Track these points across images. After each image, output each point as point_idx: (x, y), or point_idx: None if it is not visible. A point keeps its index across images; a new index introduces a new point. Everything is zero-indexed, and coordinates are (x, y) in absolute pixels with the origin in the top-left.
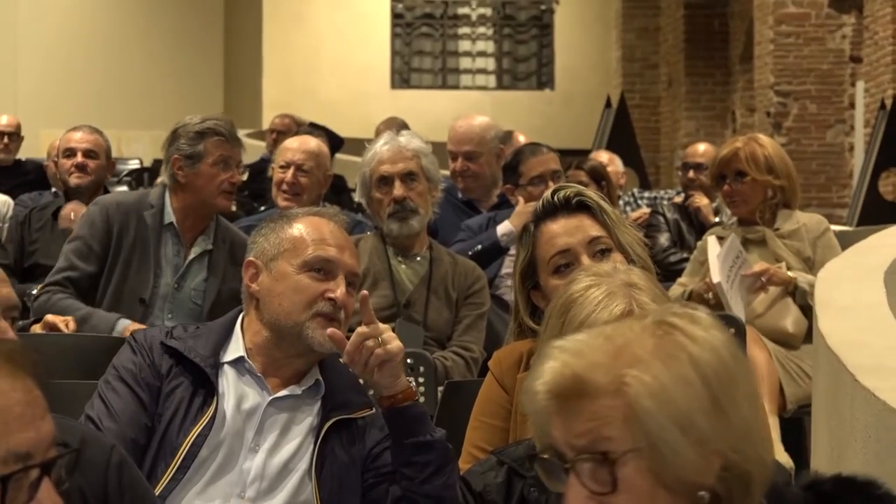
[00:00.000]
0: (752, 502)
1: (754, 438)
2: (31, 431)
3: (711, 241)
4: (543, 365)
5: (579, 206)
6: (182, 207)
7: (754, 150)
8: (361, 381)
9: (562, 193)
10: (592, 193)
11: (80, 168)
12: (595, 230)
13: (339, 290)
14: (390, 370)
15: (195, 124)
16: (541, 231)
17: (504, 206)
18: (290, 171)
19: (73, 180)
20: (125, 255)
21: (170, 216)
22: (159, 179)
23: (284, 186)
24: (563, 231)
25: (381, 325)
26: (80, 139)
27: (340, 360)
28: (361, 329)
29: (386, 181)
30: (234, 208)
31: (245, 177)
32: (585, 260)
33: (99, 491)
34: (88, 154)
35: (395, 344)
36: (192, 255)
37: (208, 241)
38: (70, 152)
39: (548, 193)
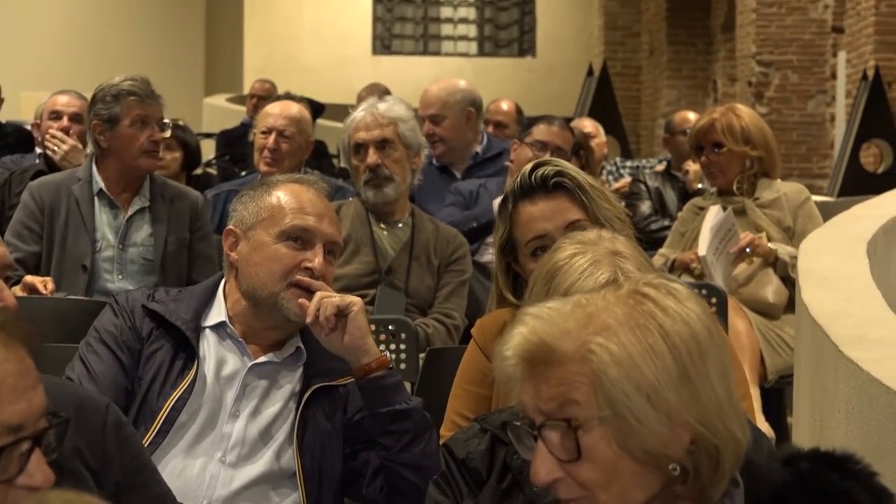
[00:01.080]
0: (723, 477)
1: (725, 414)
2: (23, 403)
3: (714, 209)
4: (513, 329)
5: (557, 186)
6: (110, 173)
7: (731, 121)
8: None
9: (539, 172)
10: (572, 170)
11: (65, 132)
12: (573, 213)
13: (316, 259)
14: (353, 328)
15: (110, 87)
16: (518, 211)
17: (480, 168)
18: (272, 137)
19: (58, 144)
20: (60, 229)
21: (98, 184)
22: (86, 150)
23: (266, 152)
24: (541, 215)
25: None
26: (66, 103)
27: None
28: (322, 292)
29: (362, 148)
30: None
31: (168, 133)
32: (586, 234)
33: (97, 450)
34: (74, 118)
35: (353, 298)
36: (129, 213)
37: (145, 199)
38: (56, 115)
39: (526, 170)
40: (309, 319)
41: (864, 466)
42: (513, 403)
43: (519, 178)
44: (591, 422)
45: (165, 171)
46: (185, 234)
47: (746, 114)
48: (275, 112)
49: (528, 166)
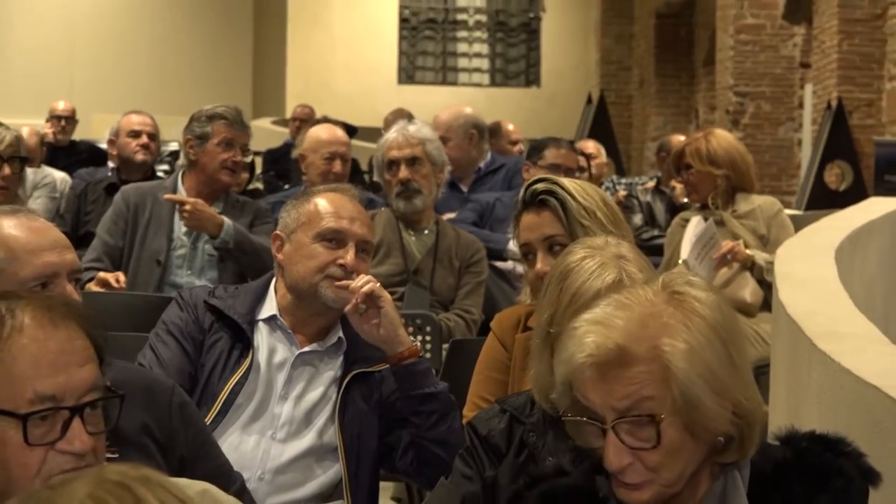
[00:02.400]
0: (755, 442)
1: (753, 385)
2: (61, 377)
3: (695, 220)
4: (581, 339)
5: (542, 203)
6: (193, 184)
7: (699, 146)
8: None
9: (531, 189)
10: (562, 190)
11: (145, 147)
12: (552, 228)
13: (348, 255)
14: (385, 321)
15: (207, 110)
16: (520, 220)
17: (483, 182)
18: (338, 162)
19: (139, 157)
20: (142, 228)
21: (181, 192)
22: (178, 163)
23: (332, 175)
24: (527, 226)
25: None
26: (140, 122)
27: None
28: (365, 276)
29: (394, 164)
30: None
31: (249, 158)
32: (541, 254)
33: (164, 426)
34: (150, 135)
35: (384, 292)
36: None
37: (219, 207)
38: (135, 133)
39: (525, 186)
40: (348, 308)
41: (854, 448)
42: (527, 388)
43: (521, 194)
44: (667, 413)
45: (237, 186)
46: (241, 240)
47: (716, 138)
48: (335, 138)
49: (529, 181)
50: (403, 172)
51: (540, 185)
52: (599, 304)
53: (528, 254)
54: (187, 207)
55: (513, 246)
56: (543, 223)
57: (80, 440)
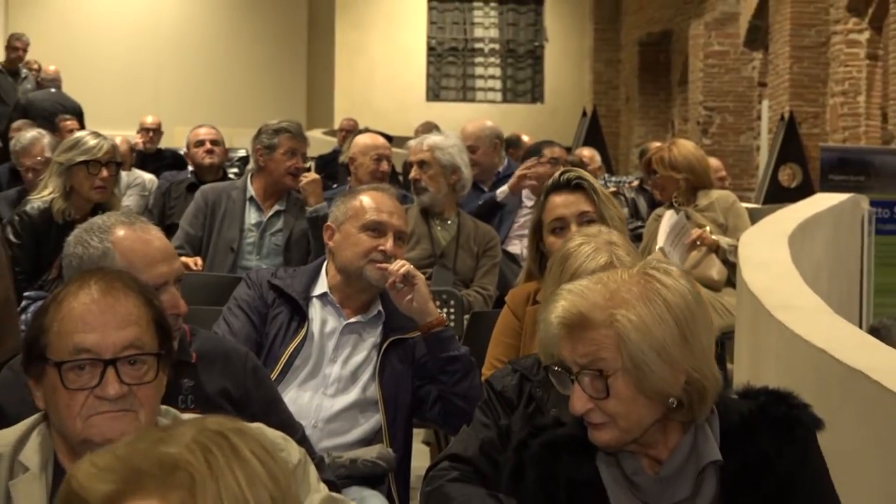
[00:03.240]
0: (707, 408)
1: (708, 360)
2: (98, 334)
3: (668, 214)
4: (556, 303)
5: (577, 187)
6: (261, 186)
7: (662, 155)
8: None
9: (566, 175)
10: (589, 177)
11: (209, 152)
12: (585, 206)
13: (388, 243)
14: (417, 296)
15: (273, 124)
16: (548, 200)
17: (502, 183)
18: (385, 163)
19: (206, 160)
20: (218, 221)
21: (250, 192)
22: (248, 167)
23: (379, 174)
24: (562, 204)
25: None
26: (206, 133)
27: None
28: (401, 261)
29: (410, 167)
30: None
31: (308, 165)
32: (574, 227)
33: (240, 387)
34: (214, 143)
35: (418, 273)
36: (268, 215)
37: (282, 205)
38: (201, 142)
39: (557, 174)
40: (388, 284)
41: (801, 400)
42: (534, 351)
43: (552, 180)
44: (616, 371)
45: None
46: (306, 228)
47: (679, 147)
48: (380, 144)
49: (560, 171)
50: (414, 173)
51: (572, 174)
52: (584, 279)
53: (558, 228)
54: (311, 176)
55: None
56: (579, 201)
57: (113, 388)
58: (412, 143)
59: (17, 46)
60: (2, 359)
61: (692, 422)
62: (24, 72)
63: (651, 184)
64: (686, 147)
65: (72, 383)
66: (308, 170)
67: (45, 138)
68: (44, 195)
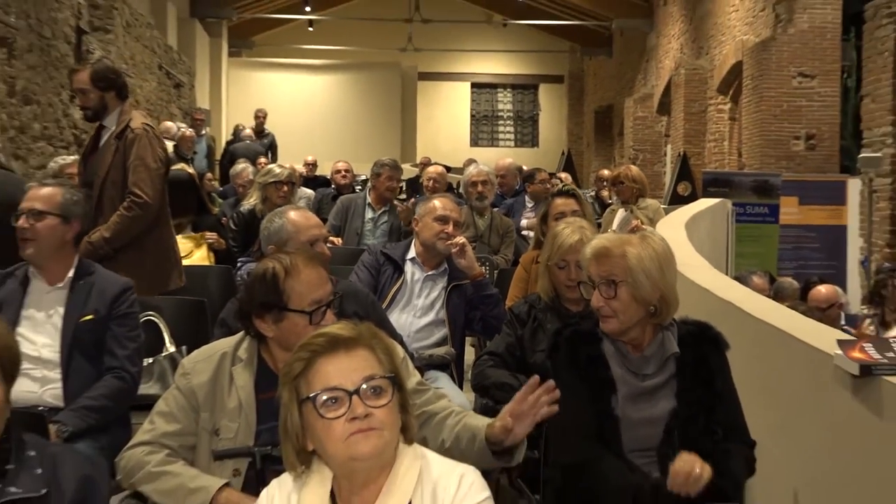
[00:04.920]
0: (670, 316)
1: (673, 287)
2: (321, 291)
3: (620, 211)
4: (591, 242)
5: (570, 194)
6: (374, 197)
7: (626, 173)
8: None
9: (565, 188)
10: (577, 190)
11: (343, 176)
12: (574, 206)
13: (450, 228)
14: (467, 258)
15: (381, 160)
16: (553, 201)
17: (518, 194)
18: (479, 186)
19: (341, 181)
20: (350, 217)
21: (368, 199)
22: (368, 185)
23: (437, 188)
24: (562, 203)
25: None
26: (342, 165)
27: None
28: (461, 238)
29: (475, 184)
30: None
31: (403, 185)
32: (569, 217)
33: (364, 312)
34: (346, 171)
35: (469, 247)
36: (378, 213)
37: (386, 208)
38: (338, 171)
39: (559, 189)
40: (454, 250)
41: (717, 331)
42: (537, 290)
43: (556, 189)
44: (622, 283)
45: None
46: (397, 222)
47: (632, 170)
48: (440, 173)
49: (561, 186)
50: (480, 188)
51: (568, 188)
52: (609, 234)
53: (559, 216)
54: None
55: (523, 223)
56: (571, 203)
57: (328, 320)
58: (472, 169)
59: (259, 116)
60: (163, 290)
61: (661, 326)
62: (243, 130)
63: (616, 191)
64: (636, 169)
65: (313, 322)
66: (400, 188)
67: (249, 167)
68: (250, 202)
